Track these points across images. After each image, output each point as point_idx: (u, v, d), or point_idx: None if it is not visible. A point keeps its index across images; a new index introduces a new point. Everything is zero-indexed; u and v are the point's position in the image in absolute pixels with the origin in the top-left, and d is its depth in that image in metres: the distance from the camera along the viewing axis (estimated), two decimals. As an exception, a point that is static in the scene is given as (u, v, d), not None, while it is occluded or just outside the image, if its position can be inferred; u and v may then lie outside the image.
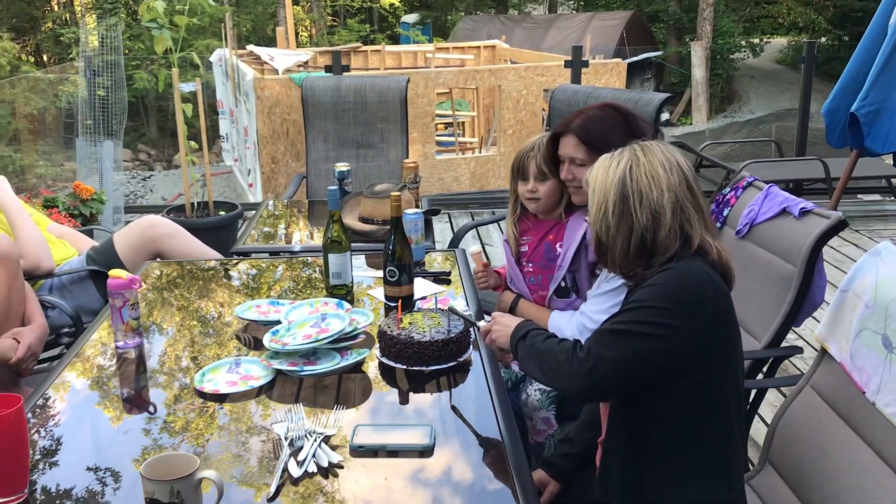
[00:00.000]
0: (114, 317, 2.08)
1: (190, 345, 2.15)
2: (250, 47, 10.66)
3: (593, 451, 1.85)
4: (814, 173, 6.03)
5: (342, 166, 3.37)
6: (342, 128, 4.45)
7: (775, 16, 23.98)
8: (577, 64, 6.48)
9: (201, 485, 1.38)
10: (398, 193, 2.25)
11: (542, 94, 8.44)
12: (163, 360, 2.07)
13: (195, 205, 4.84)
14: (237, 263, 2.79)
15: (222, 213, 4.85)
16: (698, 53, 19.10)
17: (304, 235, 3.36)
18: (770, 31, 24.23)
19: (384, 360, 1.94)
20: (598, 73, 8.47)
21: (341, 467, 1.56)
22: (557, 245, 2.30)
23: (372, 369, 1.96)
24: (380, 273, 2.40)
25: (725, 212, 2.59)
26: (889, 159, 6.35)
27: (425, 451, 1.60)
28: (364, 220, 3.05)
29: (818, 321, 1.94)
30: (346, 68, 6.44)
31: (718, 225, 2.58)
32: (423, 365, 1.90)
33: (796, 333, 3.80)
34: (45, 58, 17.02)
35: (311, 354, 1.97)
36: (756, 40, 22.51)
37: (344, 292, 2.37)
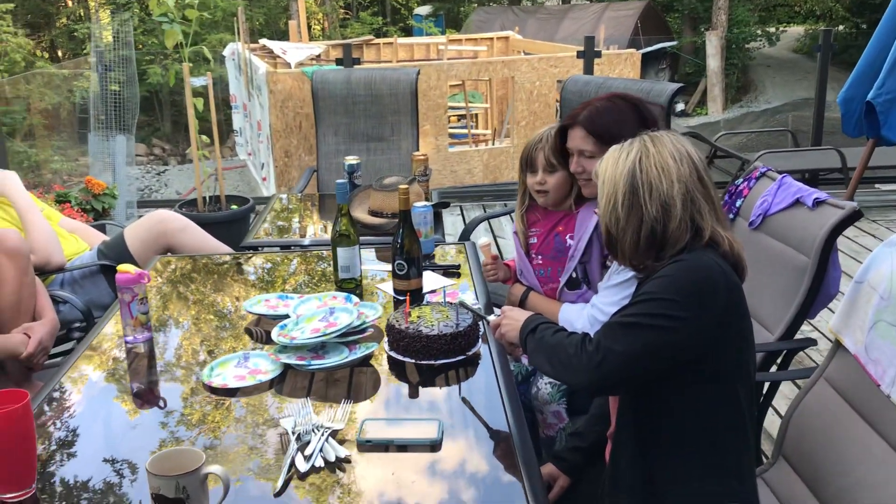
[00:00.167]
0: (123, 311, 2.08)
1: (200, 339, 2.15)
2: (263, 41, 10.67)
3: (603, 444, 1.84)
4: (830, 163, 5.96)
5: (352, 159, 3.36)
6: (353, 121, 4.44)
7: (792, 4, 23.76)
8: (589, 54, 6.44)
9: (207, 480, 1.37)
10: (406, 186, 2.23)
11: (555, 86, 8.39)
12: (173, 355, 2.07)
13: (207, 199, 4.85)
14: (250, 258, 2.79)
15: (234, 207, 4.86)
16: (713, 43, 18.95)
17: (314, 229, 3.35)
18: (786, 20, 24.01)
19: (393, 354, 1.93)
20: (612, 63, 8.42)
21: (349, 462, 1.55)
22: (567, 236, 2.28)
23: (381, 363, 1.96)
24: (390, 267, 2.39)
25: (738, 203, 2.56)
26: (906, 148, 6.27)
27: (433, 446, 1.59)
28: (373, 213, 3.04)
29: (833, 313, 1.92)
30: (357, 61, 6.43)
31: (731, 216, 2.55)
32: (431, 359, 1.89)
33: (811, 325, 3.76)
34: (59, 53, 17.12)
35: (319, 348, 1.97)
36: (772, 29, 22.29)
37: (353, 286, 2.36)
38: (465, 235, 3.53)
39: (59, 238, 3.00)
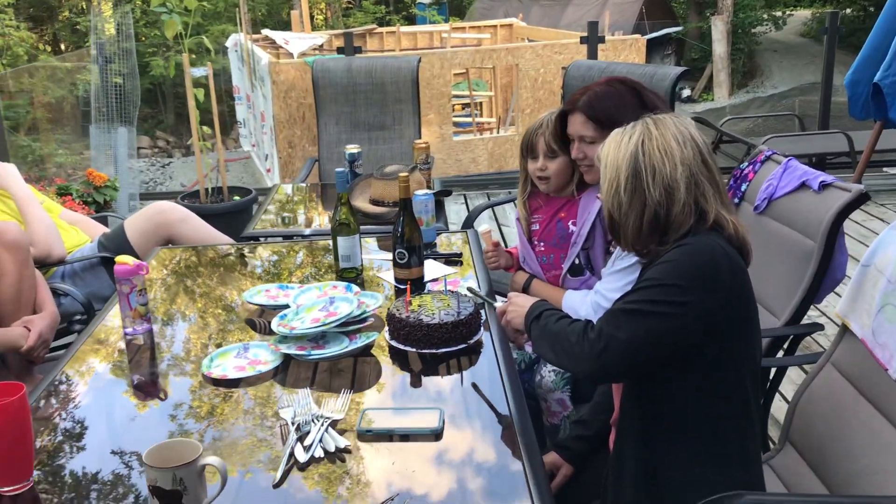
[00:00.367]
0: (122, 303, 2.06)
1: (201, 330, 2.13)
2: (265, 31, 10.63)
3: (607, 433, 1.82)
4: (837, 147, 5.91)
5: (352, 148, 3.33)
6: (354, 110, 4.41)
7: (798, -13, 23.54)
8: (593, 40, 6.40)
9: (205, 471, 1.36)
10: (406, 174, 2.21)
11: (559, 73, 8.32)
12: (173, 346, 2.05)
13: (209, 190, 4.83)
14: (254, 248, 2.77)
15: (237, 198, 4.84)
16: (719, 28, 18.82)
17: (316, 219, 3.33)
18: (793, 4, 23.79)
19: (394, 343, 1.91)
20: (616, 49, 8.35)
21: (349, 452, 1.53)
22: (570, 223, 2.26)
23: (384, 353, 1.94)
24: (391, 256, 2.37)
25: (743, 187, 2.52)
26: (914, 130, 6.21)
27: (434, 435, 1.57)
28: (375, 202, 3.01)
29: (840, 297, 1.89)
30: (359, 50, 6.39)
31: (736, 200, 2.52)
32: (432, 348, 1.87)
33: (818, 310, 3.73)
34: (62, 47, 17.11)
35: (319, 338, 1.95)
36: (778, 13, 22.11)
37: (354, 275, 2.34)
38: (468, 223, 3.50)
39: (60, 230, 2.99)
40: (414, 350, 1.88)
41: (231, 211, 4.68)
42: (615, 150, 1.61)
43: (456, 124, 9.52)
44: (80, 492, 1.47)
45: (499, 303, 1.92)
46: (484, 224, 2.61)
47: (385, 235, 2.73)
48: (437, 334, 1.86)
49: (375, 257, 2.56)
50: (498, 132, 9.93)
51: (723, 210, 1.59)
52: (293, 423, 1.60)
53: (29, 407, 1.49)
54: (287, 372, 1.85)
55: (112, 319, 2.18)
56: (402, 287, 2.23)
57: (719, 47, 19.07)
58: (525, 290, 2.34)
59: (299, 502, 1.43)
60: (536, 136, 2.25)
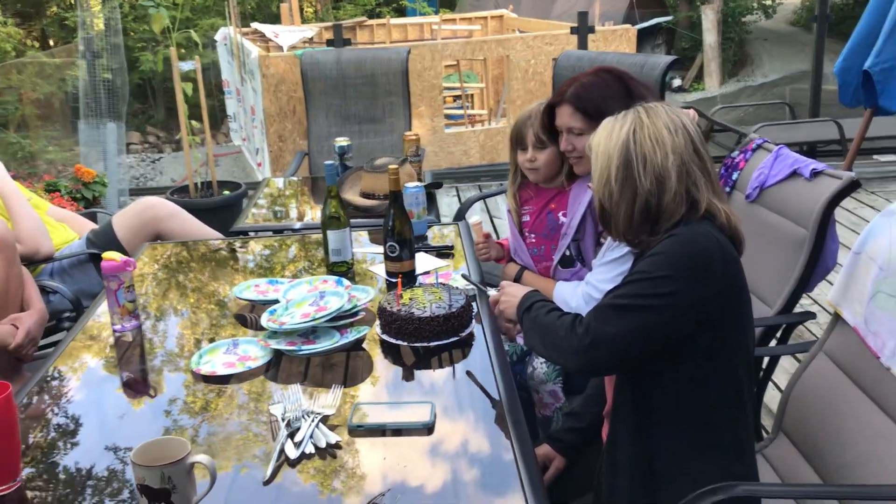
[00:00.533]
0: (109, 300, 2.05)
1: (191, 326, 2.12)
2: (255, 25, 10.56)
3: (599, 424, 1.81)
4: (828, 135, 5.90)
5: (342, 141, 3.31)
6: (344, 102, 4.39)
7: (788, -24, 23.50)
8: (583, 30, 6.38)
9: (193, 469, 1.34)
10: (396, 167, 2.19)
11: (550, 64, 8.31)
12: (162, 342, 2.04)
13: (199, 185, 4.80)
14: (245, 243, 2.75)
15: (227, 192, 4.81)
16: (709, 17, 18.80)
17: (306, 212, 3.31)
18: (783, -8, 23.77)
19: (385, 337, 1.90)
20: (607, 39, 8.33)
21: (340, 447, 1.52)
22: (560, 214, 2.25)
23: (376, 347, 1.92)
24: (383, 249, 2.35)
25: (734, 175, 2.52)
26: (905, 118, 6.22)
27: (426, 429, 1.56)
28: (365, 195, 2.99)
29: (832, 285, 1.88)
30: (348, 42, 6.36)
31: (727, 189, 2.51)
32: (424, 341, 1.85)
33: (811, 298, 3.73)
34: (50, 42, 16.98)
35: (310, 333, 1.93)
36: (768, 2, 22.09)
37: (344, 269, 2.33)
38: (459, 216, 3.49)
39: (48, 227, 2.96)
40: (406, 344, 1.87)
41: (221, 205, 4.65)
42: (607, 138, 1.60)
43: (447, 116, 9.48)
44: (74, 487, 1.46)
45: (491, 291, 1.90)
46: (475, 216, 2.60)
47: (376, 228, 2.72)
48: (429, 327, 1.85)
49: (367, 250, 2.55)
50: (489, 124, 9.90)
51: (715, 199, 1.57)
52: (283, 419, 1.59)
53: (15, 406, 1.47)
54: (278, 367, 1.84)
55: (102, 315, 2.16)
56: (393, 280, 2.22)
57: (709, 37, 19.06)
58: (516, 281, 2.33)
59: (293, 496, 1.42)
60: (525, 128, 2.24)
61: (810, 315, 2.26)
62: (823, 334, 1.89)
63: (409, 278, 2.24)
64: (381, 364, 1.86)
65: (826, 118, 6.12)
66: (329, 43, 6.33)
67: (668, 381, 1.55)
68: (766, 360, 2.29)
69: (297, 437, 1.53)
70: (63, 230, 3.11)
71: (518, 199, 2.36)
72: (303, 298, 2.04)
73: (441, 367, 1.82)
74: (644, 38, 17.02)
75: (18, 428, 1.48)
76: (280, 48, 9.09)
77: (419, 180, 2.98)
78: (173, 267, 2.56)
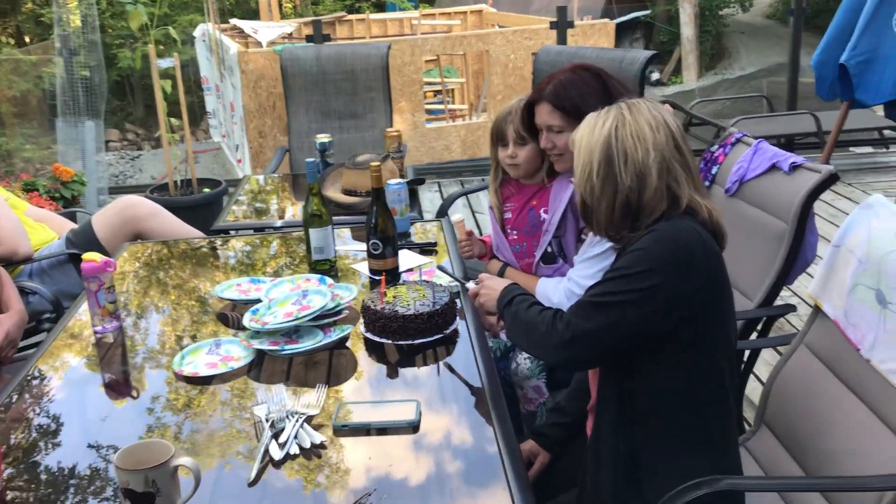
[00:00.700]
0: (90, 301, 2.03)
1: (172, 326, 2.10)
2: (234, 21, 10.49)
3: (584, 419, 1.82)
4: (805, 128, 5.96)
5: (323, 137, 3.30)
6: (324, 98, 4.37)
7: (764, -31, 23.62)
8: (562, 25, 6.39)
9: (178, 472, 1.34)
10: (378, 164, 2.18)
11: (530, 58, 8.31)
12: (144, 343, 2.02)
13: (179, 183, 4.77)
14: (226, 241, 2.73)
15: (207, 190, 4.78)
16: (687, 11, 18.88)
17: (289, 209, 3.30)
18: (759, -14, 23.90)
19: (369, 335, 1.89)
20: (586, 34, 8.34)
21: (325, 447, 1.52)
22: (542, 210, 2.25)
23: (360, 345, 1.92)
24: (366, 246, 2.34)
25: (714, 170, 2.53)
26: (880, 111, 6.27)
27: (411, 427, 1.56)
28: (347, 192, 2.98)
29: (812, 278, 1.90)
30: (328, 38, 6.33)
31: (707, 183, 2.53)
32: (408, 339, 1.85)
33: (791, 291, 3.76)
34: (26, 39, 16.77)
35: (293, 333, 1.93)
36: (745, -5, 22.22)
37: (327, 267, 2.32)
38: (442, 212, 3.48)
39: (26, 228, 2.93)
40: (390, 342, 1.86)
41: (201, 203, 4.62)
42: (589, 134, 1.61)
43: (428, 111, 9.47)
44: (57, 487, 1.45)
45: (470, 284, 1.91)
46: (457, 213, 2.60)
47: (359, 226, 2.71)
48: (413, 325, 1.85)
49: (350, 248, 2.54)
50: (470, 119, 9.89)
51: (696, 195, 1.58)
52: (267, 420, 1.58)
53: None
54: (261, 367, 1.83)
55: (84, 315, 2.15)
56: (376, 278, 2.21)
57: (687, 30, 19.15)
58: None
59: (278, 493, 1.41)
60: (506, 124, 2.24)
61: (791, 308, 2.28)
62: (804, 327, 1.91)
63: (393, 276, 2.23)
64: (365, 362, 1.85)
65: (803, 111, 6.17)
66: (308, 38, 6.30)
67: (650, 375, 1.56)
68: (747, 352, 2.31)
69: (282, 438, 1.53)
70: (42, 230, 3.08)
71: (500, 196, 2.36)
72: (285, 297, 2.03)
73: (426, 364, 1.82)
74: (622, 32, 17.08)
75: (-1, 432, 1.47)
76: (259, 44, 9.04)
77: (401, 177, 2.98)
78: (154, 265, 2.54)
